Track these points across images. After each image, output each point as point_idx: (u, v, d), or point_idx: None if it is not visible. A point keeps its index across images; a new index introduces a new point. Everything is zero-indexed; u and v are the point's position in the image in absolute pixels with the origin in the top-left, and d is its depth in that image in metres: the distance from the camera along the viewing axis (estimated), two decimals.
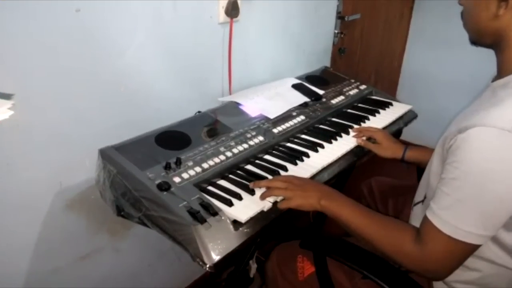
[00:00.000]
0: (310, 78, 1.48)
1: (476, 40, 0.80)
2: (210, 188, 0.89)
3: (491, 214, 0.67)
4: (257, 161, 1.02)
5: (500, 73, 0.76)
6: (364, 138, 1.14)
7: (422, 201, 0.86)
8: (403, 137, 1.39)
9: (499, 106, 0.66)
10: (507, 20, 0.71)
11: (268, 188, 0.86)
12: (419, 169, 1.26)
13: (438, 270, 0.73)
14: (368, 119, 1.28)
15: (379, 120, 1.27)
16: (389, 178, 1.32)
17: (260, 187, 0.87)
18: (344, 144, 1.12)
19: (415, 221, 0.85)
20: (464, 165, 0.66)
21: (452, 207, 0.68)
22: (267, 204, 0.83)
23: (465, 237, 0.67)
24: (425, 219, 0.72)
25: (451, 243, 0.68)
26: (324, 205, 0.83)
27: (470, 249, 0.69)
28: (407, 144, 1.14)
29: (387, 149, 1.12)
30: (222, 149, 0.98)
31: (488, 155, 0.64)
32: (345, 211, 0.82)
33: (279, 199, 0.85)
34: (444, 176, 0.70)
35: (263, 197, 0.84)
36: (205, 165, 0.91)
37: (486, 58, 0.82)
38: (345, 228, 0.83)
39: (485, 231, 0.67)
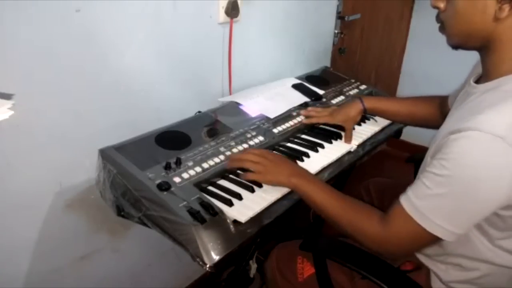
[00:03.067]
0: (310, 78, 1.48)
1: (463, 43, 0.76)
2: (210, 188, 0.89)
3: (465, 215, 0.67)
4: None
5: (488, 76, 0.74)
6: (354, 143, 1.14)
7: None
8: (403, 137, 1.39)
9: (493, 111, 0.64)
10: (509, 23, 0.68)
11: (240, 160, 0.89)
12: (417, 169, 1.27)
13: (396, 251, 0.75)
14: (368, 119, 1.28)
15: (379, 120, 1.27)
16: (387, 178, 1.32)
17: (233, 161, 0.91)
18: (344, 144, 1.12)
19: None
20: (451, 164, 0.65)
21: (429, 199, 0.68)
22: (268, 202, 0.84)
23: (434, 229, 0.68)
24: (397, 203, 0.73)
25: (418, 230, 0.69)
26: (294, 182, 0.84)
27: (434, 241, 0.70)
28: (360, 97, 1.17)
29: (351, 116, 1.15)
30: (222, 149, 0.98)
31: (476, 160, 0.63)
32: (314, 190, 0.83)
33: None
34: (428, 170, 0.69)
35: (230, 165, 0.89)
36: (205, 165, 0.91)
37: None
38: (313, 207, 0.85)
39: (456, 228, 0.68)
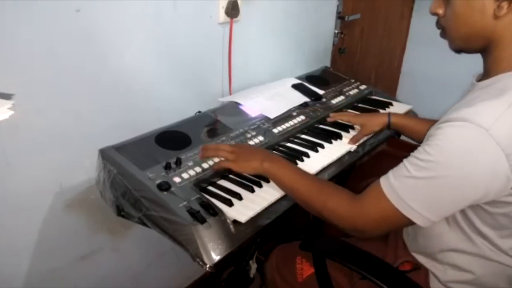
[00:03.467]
0: (310, 78, 1.48)
1: (464, 46, 0.77)
2: (210, 188, 0.89)
3: (441, 203, 0.68)
4: None
5: (487, 74, 0.75)
6: (349, 137, 1.15)
7: None
8: (403, 137, 1.39)
9: (482, 104, 0.65)
10: (508, 21, 0.68)
11: (215, 149, 0.92)
12: None
13: (365, 229, 0.75)
14: None
15: None
16: None
17: (206, 150, 0.92)
18: (344, 144, 1.12)
19: None
20: (433, 150, 0.66)
21: (407, 181, 0.69)
22: (268, 202, 0.84)
23: (407, 212, 0.68)
24: (376, 182, 0.73)
25: (390, 210, 0.70)
26: (266, 167, 0.86)
27: (405, 223, 0.71)
28: (389, 112, 1.17)
29: (373, 125, 1.15)
30: None
31: (457, 147, 0.64)
32: (286, 173, 0.85)
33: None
34: (412, 154, 0.71)
35: (203, 156, 0.91)
36: (205, 165, 0.91)
37: None
38: (285, 190, 0.85)
39: (429, 214, 0.68)
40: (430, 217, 0.68)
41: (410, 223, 0.70)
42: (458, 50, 0.79)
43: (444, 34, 0.78)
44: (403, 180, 0.69)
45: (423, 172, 0.67)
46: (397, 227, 0.75)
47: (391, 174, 0.72)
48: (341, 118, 1.22)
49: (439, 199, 0.68)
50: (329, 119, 1.23)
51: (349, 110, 1.34)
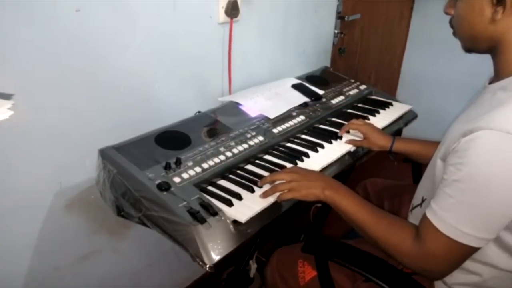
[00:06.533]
0: (310, 78, 1.48)
1: (471, 46, 0.79)
2: (210, 188, 0.89)
3: (491, 218, 0.67)
4: (257, 161, 1.02)
5: (499, 75, 0.75)
6: (349, 137, 1.13)
7: (420, 204, 0.86)
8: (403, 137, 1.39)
9: (502, 109, 0.65)
10: (505, 24, 0.70)
11: (272, 182, 0.87)
12: (415, 170, 1.26)
13: (435, 270, 0.73)
14: (368, 119, 1.28)
15: (379, 120, 1.27)
16: (384, 179, 1.32)
17: (265, 183, 0.88)
18: (344, 144, 1.12)
19: None
20: (468, 167, 0.65)
21: (453, 208, 0.67)
22: (268, 202, 0.84)
23: (464, 239, 0.67)
24: (425, 218, 0.72)
25: (450, 244, 0.68)
26: (328, 195, 0.84)
27: (468, 251, 0.69)
28: (395, 136, 1.14)
29: (374, 142, 1.12)
30: (222, 149, 0.98)
31: (492, 158, 0.63)
32: (349, 203, 0.83)
33: (275, 196, 0.85)
34: (446, 177, 0.69)
35: (265, 195, 0.85)
36: (205, 165, 0.91)
37: (486, 58, 0.81)
38: (347, 220, 0.83)
39: (485, 234, 0.67)
40: (486, 236, 0.67)
41: (471, 250, 0.69)
42: (467, 50, 0.80)
43: (455, 34, 0.80)
44: (450, 208, 0.68)
45: (466, 192, 0.66)
46: (464, 259, 0.72)
47: (435, 206, 0.70)
48: (350, 127, 1.15)
49: (489, 215, 0.66)
50: (340, 133, 1.16)
51: (349, 110, 1.34)
